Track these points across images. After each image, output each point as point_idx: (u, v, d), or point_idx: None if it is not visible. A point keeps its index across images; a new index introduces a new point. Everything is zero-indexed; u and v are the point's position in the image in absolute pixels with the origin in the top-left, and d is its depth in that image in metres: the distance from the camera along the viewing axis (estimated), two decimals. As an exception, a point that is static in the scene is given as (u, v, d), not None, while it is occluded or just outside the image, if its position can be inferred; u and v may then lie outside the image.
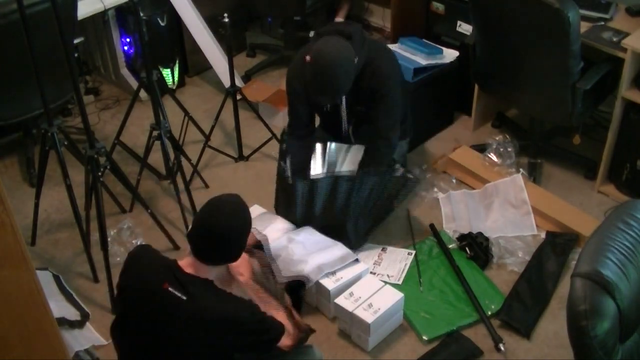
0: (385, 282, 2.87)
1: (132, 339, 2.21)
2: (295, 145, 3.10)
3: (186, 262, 2.16)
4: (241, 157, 3.74)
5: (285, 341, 2.29)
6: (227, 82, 3.72)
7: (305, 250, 2.92)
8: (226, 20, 3.30)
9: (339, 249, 2.95)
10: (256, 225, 3.07)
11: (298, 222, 3.09)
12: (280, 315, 2.42)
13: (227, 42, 3.39)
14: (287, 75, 3.09)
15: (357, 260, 2.94)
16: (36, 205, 3.19)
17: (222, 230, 2.12)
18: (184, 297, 2.07)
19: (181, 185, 3.27)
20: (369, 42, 3.00)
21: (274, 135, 3.64)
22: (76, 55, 4.04)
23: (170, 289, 2.07)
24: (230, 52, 3.46)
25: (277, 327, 2.26)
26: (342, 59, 2.79)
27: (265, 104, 3.94)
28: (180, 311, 2.07)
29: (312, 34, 3.83)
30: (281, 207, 3.18)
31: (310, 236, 3.00)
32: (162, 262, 2.18)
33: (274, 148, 3.68)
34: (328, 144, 3.15)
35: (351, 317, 2.73)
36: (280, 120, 3.91)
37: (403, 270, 3.05)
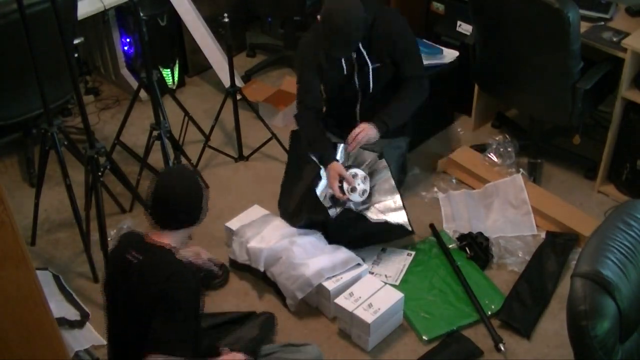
0: (384, 283, 2.87)
1: (109, 307, 2.29)
2: (306, 116, 3.17)
3: (149, 233, 2.23)
4: (241, 157, 3.74)
5: None
6: (227, 82, 3.72)
7: (306, 254, 2.91)
8: (226, 20, 3.30)
9: (340, 253, 2.95)
10: (255, 225, 3.08)
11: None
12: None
13: (227, 42, 3.39)
14: (299, 46, 3.20)
15: (359, 265, 2.93)
16: (36, 205, 3.19)
17: (167, 193, 2.19)
18: (134, 260, 2.15)
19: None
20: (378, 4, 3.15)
21: (274, 135, 3.64)
22: (76, 55, 4.04)
23: (130, 256, 2.16)
24: (230, 52, 3.46)
25: (178, 345, 2.11)
26: (350, 10, 2.89)
27: (265, 104, 3.94)
28: (130, 274, 2.14)
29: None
30: (286, 196, 3.22)
31: (312, 239, 3.00)
32: (135, 235, 2.27)
33: (274, 148, 3.68)
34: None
35: (351, 317, 2.73)
36: (280, 120, 3.91)
37: (401, 270, 3.05)
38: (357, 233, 3.09)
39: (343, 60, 3.08)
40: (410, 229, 3.09)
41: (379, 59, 3.09)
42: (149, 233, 2.23)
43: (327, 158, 3.08)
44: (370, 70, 3.10)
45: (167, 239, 2.20)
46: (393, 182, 3.15)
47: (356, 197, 3.11)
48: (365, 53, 3.06)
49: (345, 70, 3.10)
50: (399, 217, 3.11)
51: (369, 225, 3.08)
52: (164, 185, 2.22)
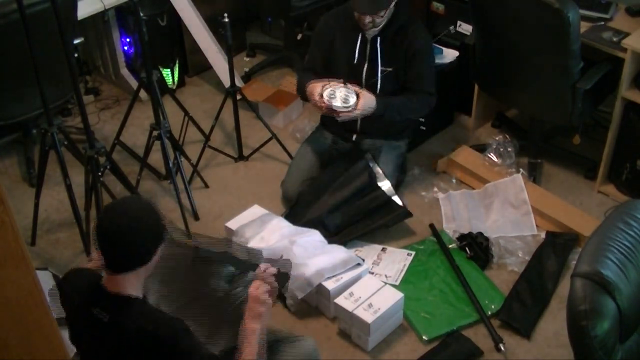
0: (384, 283, 2.87)
1: (81, 355, 2.11)
2: (305, 73, 3.25)
3: (106, 279, 1.97)
4: (241, 157, 3.74)
5: None
6: (227, 82, 3.72)
7: (306, 253, 2.91)
8: (226, 20, 3.30)
9: (341, 253, 2.94)
10: (255, 225, 3.07)
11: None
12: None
13: (227, 42, 3.39)
14: (322, 19, 3.27)
15: (359, 264, 2.93)
16: (36, 205, 3.19)
17: (111, 232, 1.90)
18: (106, 319, 1.93)
19: (181, 185, 3.27)
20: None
21: (273, 135, 3.64)
22: (76, 55, 4.04)
23: (94, 311, 1.94)
24: (230, 52, 3.46)
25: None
26: None
27: (265, 103, 3.94)
28: (104, 333, 1.95)
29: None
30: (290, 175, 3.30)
31: (312, 239, 3.00)
32: (89, 283, 2.02)
33: (274, 148, 3.68)
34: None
35: (351, 317, 2.73)
36: (280, 120, 3.91)
37: (401, 271, 3.05)
38: (351, 208, 3.12)
39: (357, 49, 3.10)
40: (402, 206, 3.09)
41: (393, 64, 3.11)
42: (105, 277, 1.98)
43: (309, 82, 3.12)
44: (379, 71, 3.12)
45: (128, 280, 1.94)
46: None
47: (338, 102, 3.06)
48: (379, 51, 3.08)
49: (355, 59, 3.11)
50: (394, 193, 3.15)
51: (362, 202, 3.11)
52: (106, 224, 1.91)
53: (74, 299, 2.02)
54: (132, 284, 1.96)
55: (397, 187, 3.41)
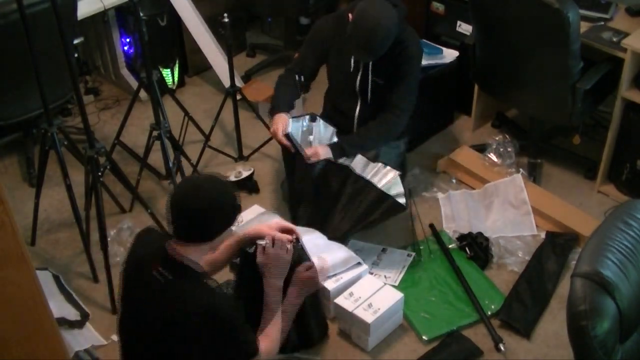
0: (384, 283, 2.87)
1: (126, 319, 2.21)
2: (286, 77, 3.20)
3: (170, 245, 2.11)
4: (241, 157, 3.74)
5: (265, 356, 2.21)
6: (227, 82, 3.72)
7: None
8: (226, 20, 3.30)
9: (341, 252, 2.94)
10: (255, 224, 3.07)
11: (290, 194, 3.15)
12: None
13: (227, 42, 3.39)
14: (318, 22, 3.23)
15: (359, 264, 2.93)
16: (36, 205, 3.19)
17: (183, 203, 2.06)
18: (165, 280, 2.05)
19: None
20: (406, 22, 3.12)
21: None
22: (76, 55, 4.04)
23: (155, 271, 2.05)
24: (230, 52, 3.46)
25: (248, 344, 2.17)
26: (385, 20, 2.88)
27: (265, 103, 3.93)
28: (161, 294, 2.05)
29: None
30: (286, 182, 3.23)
31: (312, 239, 2.99)
32: (159, 243, 2.14)
33: (273, 148, 3.68)
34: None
35: (351, 317, 2.73)
36: (280, 120, 3.91)
37: (401, 272, 3.05)
38: (340, 189, 3.05)
39: (352, 58, 3.08)
40: (401, 202, 2.99)
41: (385, 76, 3.09)
42: (171, 242, 2.10)
43: (277, 110, 3.08)
44: (370, 82, 3.10)
45: (192, 252, 2.08)
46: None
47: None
48: (371, 63, 3.06)
49: (351, 68, 3.11)
50: (391, 186, 3.04)
51: (352, 182, 3.04)
52: (181, 193, 2.09)
53: (141, 254, 2.15)
54: (194, 256, 2.09)
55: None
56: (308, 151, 3.02)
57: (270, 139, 3.64)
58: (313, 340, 2.75)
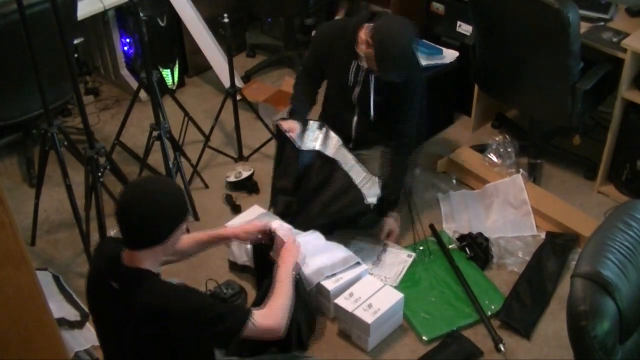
0: (384, 283, 2.87)
1: (98, 326, 2.22)
2: (302, 76, 3.22)
3: (124, 252, 2.08)
4: (241, 158, 3.74)
5: (263, 323, 2.14)
6: (226, 82, 3.72)
7: (306, 253, 2.91)
8: (226, 20, 3.30)
9: (340, 252, 2.94)
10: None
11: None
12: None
13: (227, 42, 3.39)
14: (320, 28, 3.22)
15: (358, 263, 2.93)
16: (36, 206, 3.19)
17: (129, 212, 1.98)
18: (118, 289, 2.02)
19: (181, 185, 3.27)
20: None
21: (274, 135, 3.64)
22: (76, 55, 4.04)
23: (111, 282, 2.03)
24: (230, 53, 3.46)
25: (235, 315, 2.10)
26: (403, 44, 2.83)
27: (265, 104, 3.94)
28: (117, 302, 2.03)
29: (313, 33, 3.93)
30: (278, 178, 3.20)
31: (310, 239, 3.00)
32: (112, 254, 2.10)
33: (273, 148, 3.68)
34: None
35: (351, 317, 2.73)
36: (280, 120, 3.92)
37: (400, 272, 3.05)
38: (323, 182, 3.07)
39: (351, 73, 3.04)
40: (367, 202, 2.99)
41: (386, 94, 3.05)
42: (125, 250, 2.07)
43: (293, 115, 3.10)
44: (372, 99, 3.07)
45: (145, 257, 2.03)
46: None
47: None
48: (372, 81, 3.02)
49: (350, 82, 3.07)
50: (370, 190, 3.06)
51: (335, 176, 3.05)
52: (125, 202, 2.00)
53: (98, 266, 2.13)
54: (148, 260, 2.05)
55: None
56: (382, 234, 3.13)
57: (270, 139, 3.65)
58: (304, 340, 2.74)
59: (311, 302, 2.86)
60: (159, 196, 2.00)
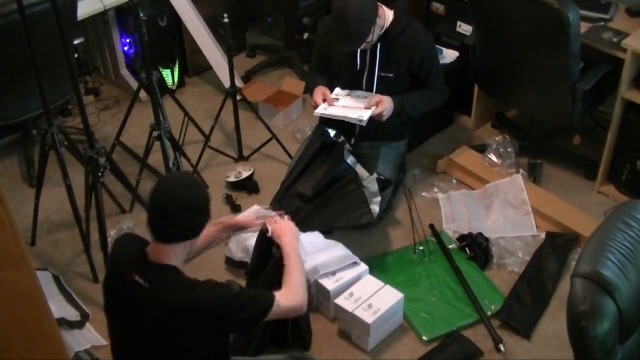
0: (384, 283, 2.87)
1: (114, 324, 2.20)
2: (314, 72, 3.29)
3: (151, 248, 2.10)
4: (241, 158, 3.74)
5: (286, 303, 2.19)
6: (226, 82, 3.72)
7: (303, 252, 2.91)
8: (226, 20, 3.30)
9: (337, 250, 2.95)
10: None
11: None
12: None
13: (226, 42, 3.39)
14: (324, 23, 3.26)
15: (356, 263, 2.93)
16: (36, 205, 3.19)
17: (166, 205, 2.02)
18: (146, 285, 2.03)
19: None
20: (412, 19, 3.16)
21: (273, 135, 3.64)
22: (76, 55, 4.04)
23: (136, 277, 2.04)
24: (230, 52, 3.46)
25: (260, 301, 2.14)
26: (358, 6, 2.86)
27: (265, 104, 3.94)
28: (143, 299, 2.04)
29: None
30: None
31: (308, 237, 3.00)
32: (135, 249, 2.12)
33: (273, 148, 3.69)
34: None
35: (351, 317, 2.73)
36: (280, 120, 3.91)
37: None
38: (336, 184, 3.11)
39: (358, 56, 3.09)
40: (372, 215, 3.02)
41: (395, 69, 3.10)
42: (152, 245, 2.09)
43: (314, 85, 3.13)
44: (376, 77, 3.11)
45: (170, 256, 2.07)
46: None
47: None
48: (378, 58, 3.07)
49: (357, 66, 3.11)
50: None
51: (349, 189, 3.09)
52: (162, 195, 2.03)
53: (119, 261, 2.13)
54: (176, 256, 2.08)
55: (397, 187, 3.41)
56: (373, 99, 3.02)
57: (270, 139, 3.65)
58: (305, 340, 2.75)
59: (311, 301, 2.87)
60: (197, 190, 2.07)
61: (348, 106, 3.03)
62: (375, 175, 3.12)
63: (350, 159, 3.17)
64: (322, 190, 3.11)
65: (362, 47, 3.01)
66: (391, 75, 3.11)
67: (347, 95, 3.10)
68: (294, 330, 2.70)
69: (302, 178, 3.17)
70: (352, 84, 3.15)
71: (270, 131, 3.65)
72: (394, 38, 3.05)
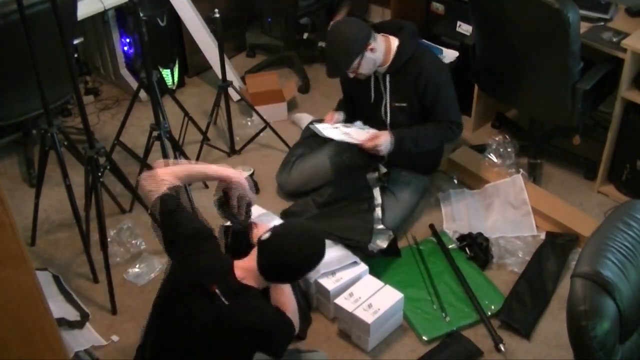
0: (384, 283, 2.87)
1: (159, 320, 2.25)
2: (341, 104, 3.39)
3: (243, 264, 2.21)
4: (233, 151, 3.75)
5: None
6: (226, 82, 3.72)
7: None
8: (217, 16, 3.30)
9: (336, 250, 2.95)
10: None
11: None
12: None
13: (217, 37, 3.40)
14: None
15: (355, 262, 2.93)
16: (36, 206, 3.19)
17: (291, 262, 2.20)
18: (225, 303, 2.12)
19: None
20: (422, 45, 3.17)
21: (267, 124, 3.66)
22: (76, 55, 4.04)
23: (216, 290, 2.13)
24: (222, 47, 3.45)
25: (291, 328, 2.33)
26: (344, 36, 2.94)
27: (260, 98, 3.94)
28: (215, 314, 2.13)
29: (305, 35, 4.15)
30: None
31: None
32: (222, 261, 2.22)
33: (273, 148, 3.68)
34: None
35: (351, 317, 2.73)
36: (279, 116, 3.92)
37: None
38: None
39: (372, 86, 3.12)
40: (367, 248, 3.00)
41: (407, 99, 3.09)
42: (241, 262, 2.22)
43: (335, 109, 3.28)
44: (388, 107, 3.13)
45: (259, 280, 2.21)
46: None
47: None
48: (388, 89, 3.09)
49: (372, 98, 3.15)
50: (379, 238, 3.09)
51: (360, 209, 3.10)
52: (280, 243, 2.19)
53: (202, 269, 2.18)
54: (259, 281, 2.22)
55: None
56: (369, 134, 3.07)
57: (264, 128, 3.69)
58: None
59: (311, 301, 2.87)
60: (318, 247, 2.26)
61: (349, 133, 3.10)
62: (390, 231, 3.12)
63: (372, 179, 3.17)
64: (335, 200, 3.16)
65: (350, 76, 3.04)
66: (405, 105, 3.11)
67: (352, 125, 3.18)
68: None
69: (323, 188, 3.25)
70: (370, 115, 3.18)
71: (264, 120, 3.66)
72: (399, 67, 3.05)
